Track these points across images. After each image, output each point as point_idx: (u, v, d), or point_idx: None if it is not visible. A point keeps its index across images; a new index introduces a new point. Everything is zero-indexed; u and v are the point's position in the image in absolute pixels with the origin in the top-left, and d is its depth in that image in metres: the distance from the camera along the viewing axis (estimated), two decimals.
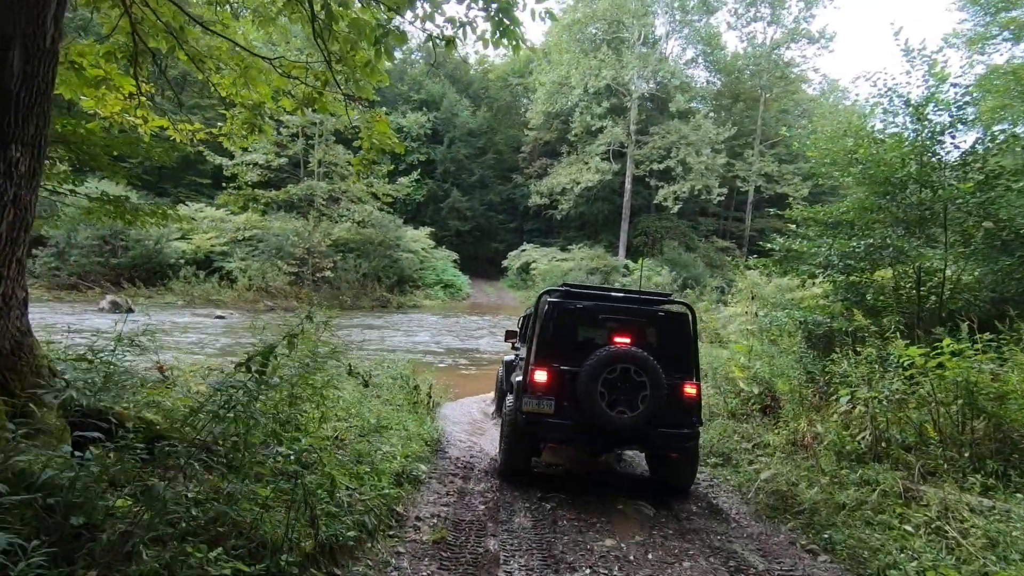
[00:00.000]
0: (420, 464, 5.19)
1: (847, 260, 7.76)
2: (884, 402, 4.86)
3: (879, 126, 9.01)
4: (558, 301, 5.58)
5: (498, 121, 46.50)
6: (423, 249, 30.21)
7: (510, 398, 5.66)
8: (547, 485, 5.45)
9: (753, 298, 7.58)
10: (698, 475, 6.15)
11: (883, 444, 5.11)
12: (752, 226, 41.53)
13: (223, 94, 7.06)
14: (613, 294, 6.01)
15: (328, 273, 22.10)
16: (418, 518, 4.24)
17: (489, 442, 7.25)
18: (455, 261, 34.01)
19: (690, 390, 5.32)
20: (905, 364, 4.95)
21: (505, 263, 35.89)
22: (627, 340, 5.27)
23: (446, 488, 5.06)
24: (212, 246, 22.25)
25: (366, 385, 7.72)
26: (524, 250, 35.65)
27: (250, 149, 22.94)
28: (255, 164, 23.06)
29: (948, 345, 4.63)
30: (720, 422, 7.48)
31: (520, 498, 5.02)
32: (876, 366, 5.34)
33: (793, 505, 4.76)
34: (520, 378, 5.56)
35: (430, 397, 7.07)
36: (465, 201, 40.88)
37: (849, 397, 5.04)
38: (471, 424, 8.36)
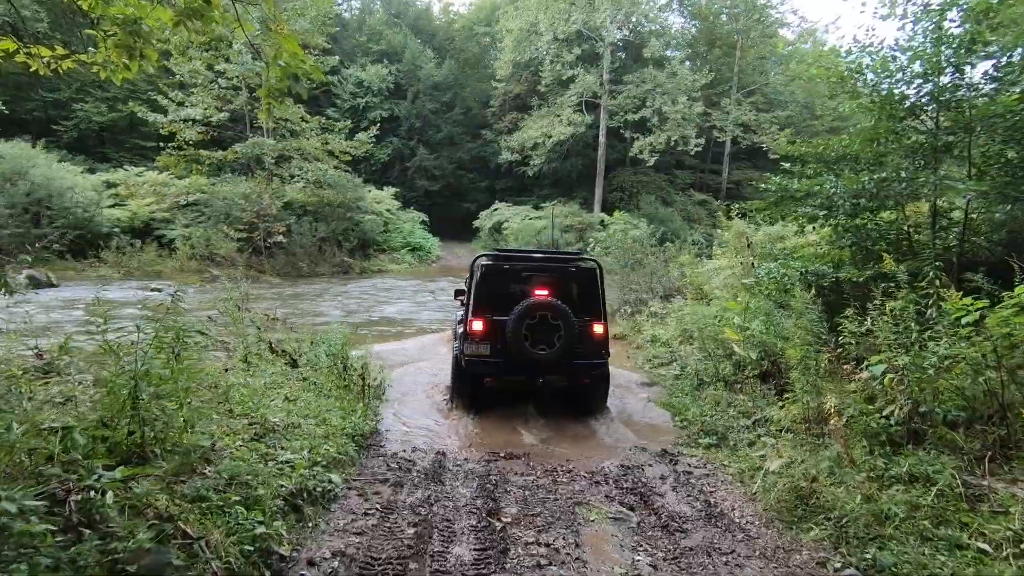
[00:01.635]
0: (332, 474, 3.97)
1: (855, 199, 6.62)
2: (931, 369, 3.76)
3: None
4: (489, 263, 6.68)
5: (465, 75, 44.01)
6: (387, 211, 28.46)
7: (455, 344, 6.96)
8: (498, 486, 4.30)
9: (749, 246, 6.49)
10: (689, 460, 5.14)
11: (918, 420, 4.05)
12: (729, 178, 40.62)
13: (84, 6, 5.47)
14: (535, 255, 7.36)
15: (281, 238, 20.37)
16: (310, 561, 3.03)
17: (441, 422, 6.08)
18: (424, 222, 32.36)
19: (598, 329, 6.55)
20: (956, 321, 3.84)
21: (476, 223, 34.35)
22: (546, 292, 6.41)
23: (367, 504, 3.87)
24: (152, 213, 20.29)
25: (294, 365, 6.47)
26: (496, 209, 34.11)
27: (185, 103, 20.79)
28: (192, 120, 20.87)
29: (1020, 294, 3.51)
30: (711, 392, 6.40)
31: (464, 511, 3.86)
32: (912, 324, 4.23)
33: (816, 507, 3.69)
34: (461, 328, 6.71)
35: (364, 380, 5.82)
36: (433, 159, 38.88)
37: (884, 365, 3.92)
38: (426, 394, 7.17)
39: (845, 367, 5.12)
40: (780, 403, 5.31)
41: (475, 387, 6.56)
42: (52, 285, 14.64)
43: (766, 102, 41.01)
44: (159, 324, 3.73)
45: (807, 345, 4.72)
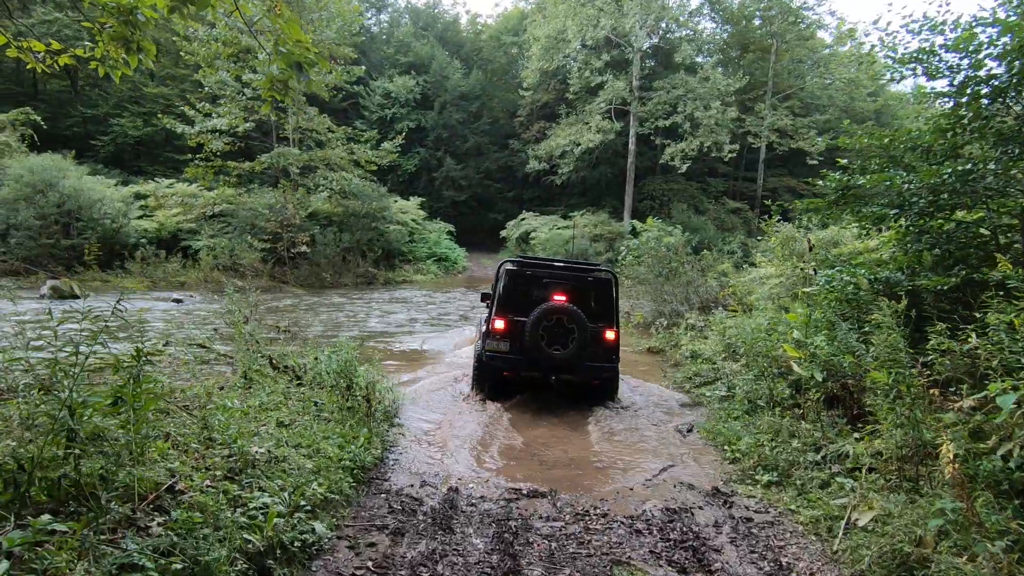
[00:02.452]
0: (317, 522, 3.29)
1: (934, 195, 5.71)
2: None
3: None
4: (513, 268, 7.24)
5: (492, 85, 43.81)
6: (413, 220, 28.11)
7: (478, 342, 7.51)
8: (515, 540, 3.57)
9: (811, 248, 5.61)
10: (747, 501, 4.33)
11: None
12: (764, 185, 39.21)
13: None
14: (556, 263, 7.81)
15: (304, 248, 20.11)
16: None
17: (460, 447, 5.39)
18: (450, 233, 31.94)
19: (610, 335, 7.06)
20: None
21: (504, 233, 33.78)
22: (563, 298, 6.90)
23: (358, 559, 3.18)
24: (178, 224, 20.29)
25: (299, 383, 5.88)
26: (523, 219, 33.51)
27: (212, 114, 20.82)
28: (219, 131, 20.85)
29: None
30: (766, 418, 5.54)
31: (476, 570, 3.14)
32: None
33: None
34: (485, 327, 7.29)
35: (368, 402, 5.16)
36: (460, 170, 38.61)
37: (1016, 393, 3.06)
38: (445, 412, 6.49)
39: (932, 392, 4.24)
40: (856, 435, 4.46)
41: (494, 379, 7.18)
42: (75, 296, 14.52)
43: (803, 106, 39.61)
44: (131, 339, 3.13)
45: (895, 365, 3.87)
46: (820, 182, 6.67)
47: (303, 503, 3.35)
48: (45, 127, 26.91)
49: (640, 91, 33.80)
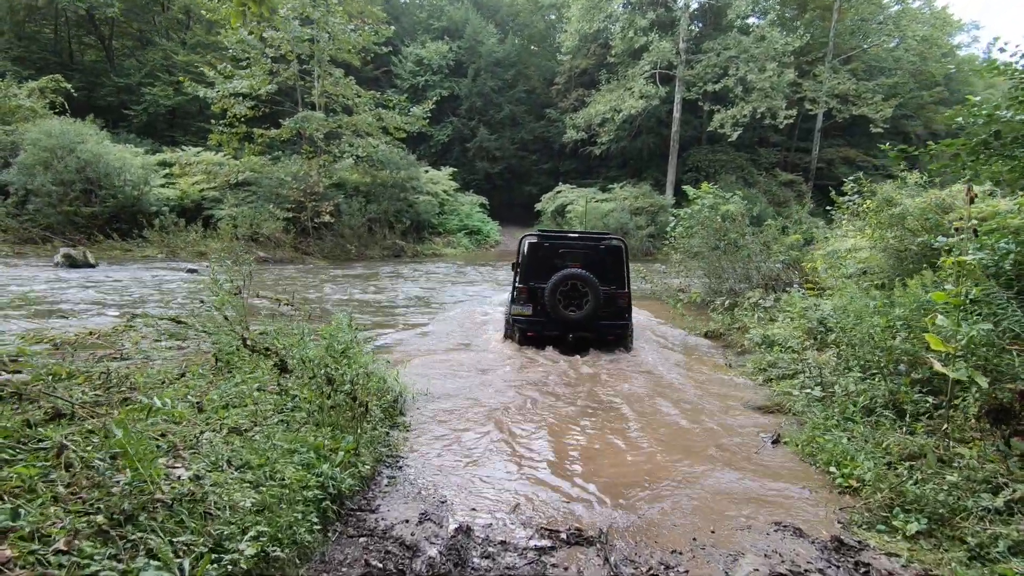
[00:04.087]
0: None
1: None
2: None
3: None
4: (533, 241, 8.25)
5: (528, 52, 41.77)
6: (444, 192, 26.85)
7: (507, 307, 8.39)
8: None
9: (972, 200, 4.08)
10: (890, 564, 2.91)
11: None
12: (820, 156, 36.39)
13: None
14: (571, 235, 8.63)
15: (328, 218, 19.12)
16: None
17: (477, 451, 4.14)
18: (483, 205, 30.58)
19: (621, 298, 7.97)
20: None
21: (539, 207, 32.24)
22: (579, 265, 7.96)
23: None
24: (201, 192, 19.56)
25: (283, 370, 4.70)
26: (559, 192, 31.84)
27: (234, 76, 19.84)
28: (241, 95, 19.90)
29: None
30: (892, 434, 4.09)
31: None
32: None
33: None
34: (511, 293, 8.25)
35: (355, 399, 3.94)
36: (494, 140, 37.06)
37: None
38: (464, 393, 5.24)
39: None
40: None
41: (519, 336, 8.06)
42: (90, 265, 13.89)
43: (866, 69, 36.37)
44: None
45: None
46: (958, 119, 5.03)
47: (214, 572, 2.13)
48: (80, 97, 26.65)
49: (687, 53, 31.41)
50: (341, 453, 3.42)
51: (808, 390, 5.42)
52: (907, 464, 3.63)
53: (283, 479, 2.92)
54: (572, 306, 7.66)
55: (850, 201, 12.32)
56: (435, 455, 4.26)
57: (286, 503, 2.77)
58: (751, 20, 34.02)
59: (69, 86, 22.87)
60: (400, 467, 3.97)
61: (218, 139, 21.20)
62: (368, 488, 3.54)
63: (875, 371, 4.87)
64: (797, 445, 4.67)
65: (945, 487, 3.31)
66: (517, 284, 7.99)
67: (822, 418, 4.88)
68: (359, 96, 21.95)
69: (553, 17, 43.87)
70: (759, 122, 30.96)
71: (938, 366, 3.92)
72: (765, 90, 28.51)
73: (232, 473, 2.82)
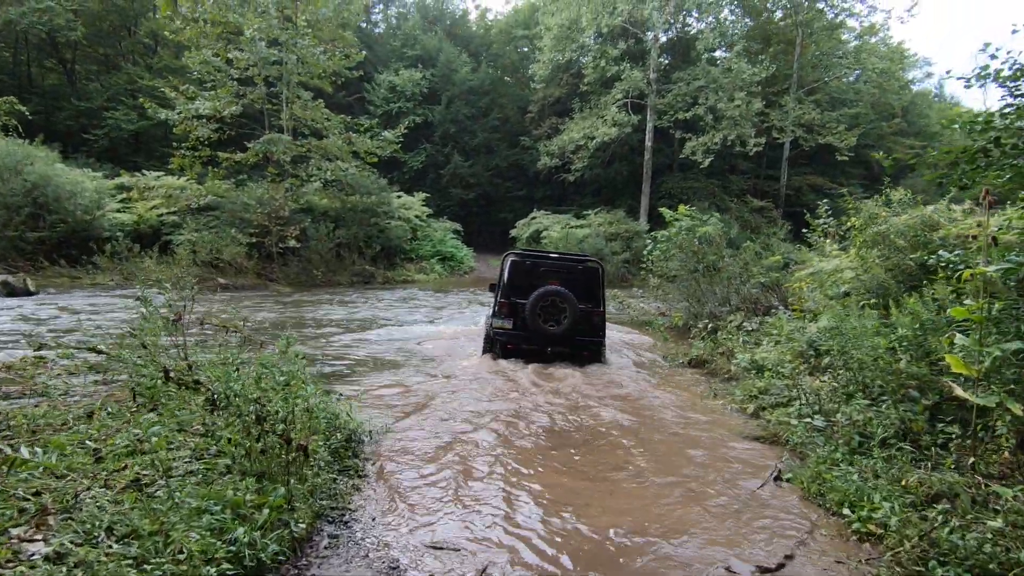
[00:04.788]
0: None
1: None
2: None
3: None
4: (515, 259, 8.72)
5: (502, 81, 42.08)
6: (417, 217, 26.33)
7: (488, 321, 8.90)
8: None
9: (990, 204, 3.75)
10: None
11: None
12: (788, 184, 37.09)
13: None
14: (551, 255, 9.33)
15: (294, 243, 18.35)
16: None
17: (442, 511, 3.50)
18: (457, 232, 30.12)
19: (596, 316, 8.41)
20: None
21: (514, 233, 31.95)
22: (558, 283, 8.28)
23: None
24: (160, 217, 18.64)
25: (213, 407, 4.03)
26: (534, 218, 31.67)
27: (197, 98, 19.19)
28: (205, 117, 19.22)
29: None
30: (912, 472, 3.61)
31: None
32: None
33: None
34: (492, 308, 8.66)
35: (288, 441, 3.29)
36: (468, 167, 36.91)
37: None
38: (433, 429, 4.58)
39: None
40: None
41: (500, 350, 8.34)
42: (29, 292, 12.87)
43: (829, 100, 37.51)
44: None
45: None
46: (954, 125, 4.74)
47: None
48: (37, 120, 25.60)
49: (658, 83, 31.91)
50: (267, 511, 2.77)
51: (807, 419, 4.94)
52: (937, 508, 3.14)
53: (180, 551, 2.27)
54: (551, 321, 8.04)
55: (825, 224, 12.22)
56: (389, 506, 3.62)
57: None
58: (718, 53, 34.94)
59: (24, 109, 21.90)
60: (346, 522, 3.32)
61: (180, 163, 20.41)
62: (302, 553, 2.88)
63: (883, 397, 4.43)
64: (802, 483, 4.16)
65: (989, 535, 2.82)
66: (499, 299, 8.38)
67: (826, 451, 4.40)
68: (328, 120, 21.47)
69: (526, 49, 44.48)
70: (729, 150, 31.43)
71: (959, 391, 3.47)
72: (735, 118, 29.00)
73: (110, 546, 2.17)
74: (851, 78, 39.22)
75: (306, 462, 3.38)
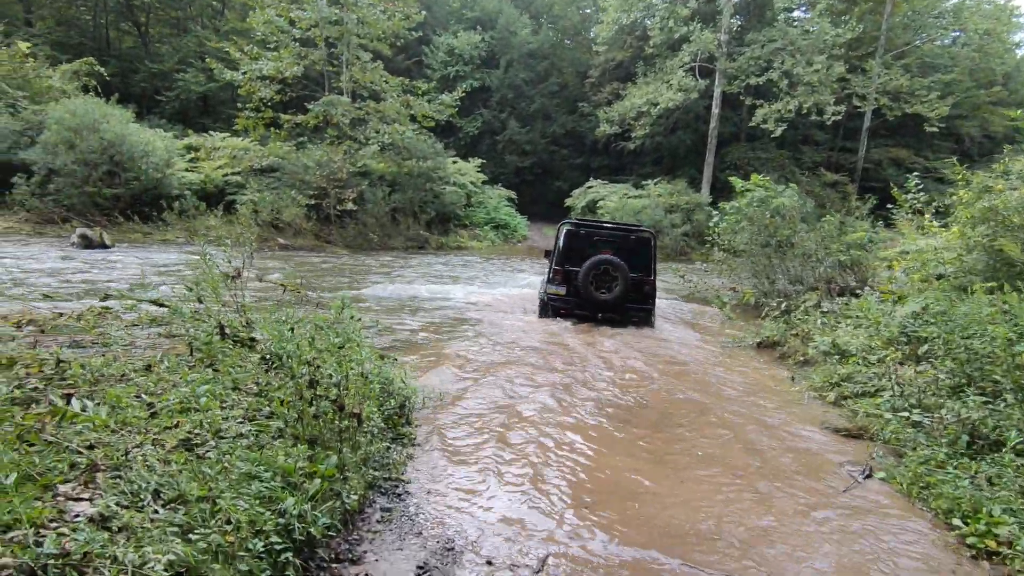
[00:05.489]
0: None
1: None
2: None
3: None
4: (570, 228, 9.08)
5: (562, 45, 40.69)
6: (472, 183, 26.06)
7: (542, 288, 9.47)
8: None
9: None
10: None
11: None
12: (867, 157, 34.48)
13: None
14: (605, 224, 9.76)
15: (351, 206, 18.49)
16: None
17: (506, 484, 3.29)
18: (511, 199, 29.72)
19: (647, 284, 8.71)
20: None
21: (569, 202, 31.25)
22: (611, 252, 8.54)
23: None
24: (225, 177, 19.15)
25: (270, 365, 3.94)
26: (591, 187, 30.77)
27: (260, 59, 19.37)
28: (268, 78, 19.41)
29: None
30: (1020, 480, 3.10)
31: None
32: None
33: None
34: (547, 274, 9.21)
35: (342, 408, 3.11)
36: (524, 133, 36.16)
37: None
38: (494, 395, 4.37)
39: None
40: None
41: (552, 313, 8.77)
42: (104, 246, 13.49)
43: (920, 66, 34.32)
44: None
45: None
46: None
47: None
48: (115, 82, 26.70)
49: (729, 46, 29.97)
50: (318, 480, 2.61)
51: (904, 413, 4.42)
52: None
53: (228, 520, 2.11)
54: (603, 288, 8.41)
55: (914, 199, 11.12)
56: (445, 479, 3.43)
57: (223, 558, 1.96)
58: (796, 13, 32.43)
59: (102, 70, 22.81)
60: (399, 495, 3.15)
61: (245, 124, 20.80)
62: (353, 526, 2.72)
63: (1003, 394, 3.87)
64: (900, 483, 3.71)
65: None
66: (553, 266, 8.76)
67: (928, 451, 3.90)
68: (387, 82, 21.30)
69: (589, 10, 42.69)
70: (804, 119, 29.40)
71: None
72: (812, 84, 26.98)
73: (156, 511, 2.03)
74: (947, 40, 35.74)
75: (359, 429, 3.21)
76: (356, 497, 2.83)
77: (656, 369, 6.53)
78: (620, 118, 31.48)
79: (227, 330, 3.88)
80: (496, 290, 12.49)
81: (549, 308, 8.78)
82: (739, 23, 32.97)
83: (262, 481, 2.43)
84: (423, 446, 3.85)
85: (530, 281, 13.48)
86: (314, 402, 3.01)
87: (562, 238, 8.87)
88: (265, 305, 5.77)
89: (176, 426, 2.80)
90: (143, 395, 3.20)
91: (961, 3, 32.66)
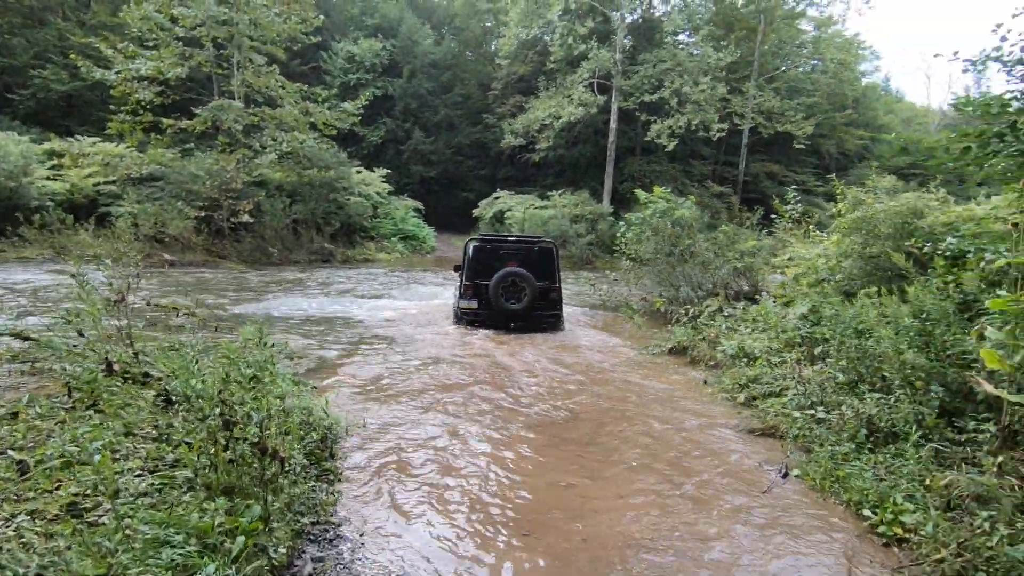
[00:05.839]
0: None
1: None
2: None
3: None
4: (477, 244, 9.50)
5: (465, 57, 40.92)
6: (378, 194, 25.36)
7: (455, 301, 9.85)
8: None
9: None
10: None
11: None
12: (746, 171, 37.80)
13: None
14: (509, 238, 10.26)
15: (247, 218, 17.26)
16: None
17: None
18: (418, 210, 29.28)
19: (553, 292, 9.36)
20: None
21: (476, 212, 31.33)
22: (516, 264, 9.18)
23: None
24: (96, 186, 17.16)
25: (167, 403, 3.49)
26: (498, 198, 31.09)
27: (136, 57, 17.65)
28: (146, 79, 17.71)
29: None
30: (937, 472, 3.45)
31: None
32: None
33: None
34: (458, 288, 9.56)
35: (265, 451, 2.79)
36: (430, 143, 35.86)
37: None
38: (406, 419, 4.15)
39: None
40: None
41: (467, 324, 9.14)
42: None
43: (787, 90, 38.22)
44: None
45: None
46: (969, 108, 4.57)
47: None
48: None
49: (624, 64, 31.63)
50: (241, 538, 2.30)
51: (810, 411, 4.76)
52: (983, 513, 2.95)
53: None
54: (512, 299, 8.92)
55: (792, 210, 12.28)
56: (379, 517, 3.20)
57: None
58: (682, 37, 34.97)
59: None
60: (331, 540, 2.88)
61: (119, 128, 18.82)
62: None
63: (893, 390, 4.27)
64: (813, 479, 3.97)
65: None
66: (464, 282, 9.16)
67: (833, 447, 4.22)
68: (283, 88, 20.20)
69: (490, 23, 43.31)
70: (692, 135, 31.61)
71: (988, 387, 3.30)
72: (699, 103, 29.10)
73: None
74: (808, 67, 40.13)
75: (283, 472, 2.90)
76: (284, 550, 2.54)
77: (578, 379, 6.61)
78: (524, 130, 32.14)
79: (115, 365, 3.38)
80: (409, 302, 12.18)
81: (463, 321, 9.22)
82: (631, 44, 34.95)
83: (174, 547, 2.10)
84: (352, 482, 3.58)
85: (437, 292, 13.30)
86: (230, 446, 2.68)
87: (470, 254, 9.29)
88: (157, 333, 5.19)
89: (57, 487, 2.37)
90: (10, 451, 2.69)
91: (819, 35, 36.80)
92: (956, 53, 4.97)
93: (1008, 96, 4.59)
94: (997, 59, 4.78)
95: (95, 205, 17.05)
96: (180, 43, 18.19)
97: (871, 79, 53.04)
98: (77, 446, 2.53)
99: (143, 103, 18.21)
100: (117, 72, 17.52)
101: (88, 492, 2.34)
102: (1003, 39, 4.80)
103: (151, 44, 18.33)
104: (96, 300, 4.42)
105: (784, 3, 35.70)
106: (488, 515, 3.35)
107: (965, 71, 5.47)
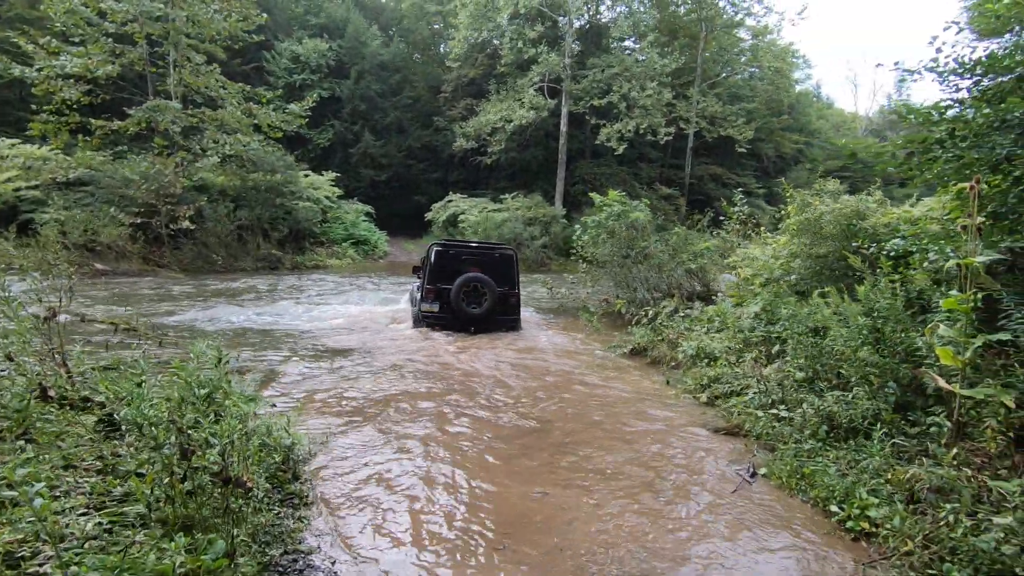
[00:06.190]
0: None
1: None
2: None
3: None
4: (439, 249, 9.56)
5: (414, 59, 40.47)
6: (327, 198, 24.69)
7: (414, 305, 10.02)
8: None
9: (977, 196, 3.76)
10: None
11: None
12: (692, 174, 39.04)
13: None
14: (471, 244, 10.75)
15: (188, 225, 16.40)
16: None
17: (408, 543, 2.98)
18: (369, 214, 28.69)
19: (513, 297, 9.74)
20: None
21: (429, 216, 30.99)
22: (478, 269, 9.46)
23: None
24: (16, 191, 15.92)
25: (112, 430, 3.20)
26: (451, 201, 30.88)
27: (61, 53, 16.50)
28: (72, 77, 16.58)
29: None
30: (897, 466, 3.58)
31: None
32: None
33: None
34: (419, 293, 9.71)
35: (228, 481, 2.59)
36: (379, 146, 35.23)
37: None
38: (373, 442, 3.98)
39: None
40: None
41: (427, 327, 9.25)
42: None
43: (729, 96, 39.73)
44: None
45: None
46: (905, 113, 4.81)
47: None
48: None
49: (573, 68, 32.05)
50: None
51: (773, 410, 4.88)
52: (946, 506, 3.06)
53: None
54: (473, 304, 9.21)
55: (739, 211, 12.73)
56: (352, 541, 3.03)
57: None
58: (628, 43, 35.79)
59: None
60: (301, 571, 2.70)
61: (42, 129, 17.55)
62: None
63: (850, 387, 4.43)
64: (780, 478, 4.06)
65: (1000, 533, 2.76)
66: (426, 285, 9.33)
67: (794, 442, 4.33)
68: (224, 88, 19.36)
69: (439, 26, 43.04)
70: (640, 138, 32.34)
71: (941, 383, 3.45)
72: (646, 107, 29.78)
73: None
74: (747, 74, 41.86)
75: (247, 501, 2.71)
76: None
77: (543, 384, 6.57)
78: (476, 133, 32.05)
79: (51, 391, 3.08)
80: (363, 307, 11.88)
81: (424, 324, 9.38)
82: (580, 48, 35.48)
83: None
84: (318, 505, 3.39)
85: (391, 298, 13.04)
86: (188, 476, 2.47)
87: (432, 258, 9.40)
88: (97, 352, 4.82)
89: None
90: None
91: (756, 44, 38.39)
92: (897, 63, 5.21)
93: (944, 104, 4.85)
94: (932, 69, 5.05)
95: (16, 212, 15.82)
96: (110, 40, 17.13)
97: (804, 86, 55.85)
98: (11, 487, 2.27)
99: (69, 102, 17.05)
100: (39, 69, 16.32)
101: (26, 538, 2.10)
102: (938, 51, 5.07)
103: (77, 40, 17.19)
104: (24, 318, 4.05)
105: (723, 12, 37.04)
106: (464, 530, 3.25)
107: (901, 80, 5.78)
